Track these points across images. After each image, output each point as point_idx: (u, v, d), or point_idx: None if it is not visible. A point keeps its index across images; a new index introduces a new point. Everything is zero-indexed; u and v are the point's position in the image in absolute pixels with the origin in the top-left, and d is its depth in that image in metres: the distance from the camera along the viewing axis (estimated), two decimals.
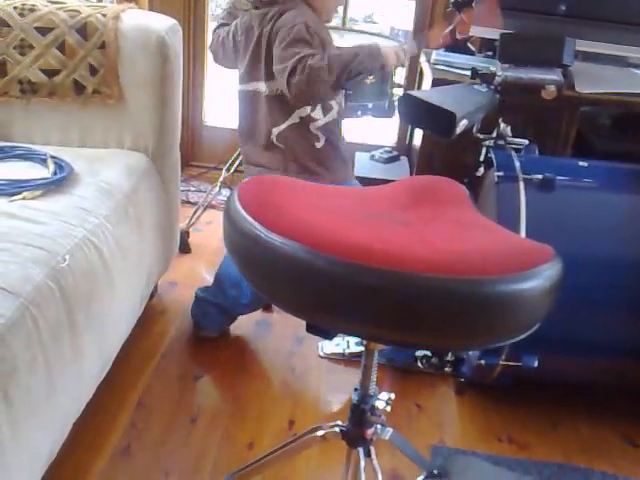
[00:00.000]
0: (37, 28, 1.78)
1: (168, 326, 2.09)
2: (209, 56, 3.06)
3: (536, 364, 1.66)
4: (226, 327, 2.05)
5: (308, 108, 1.82)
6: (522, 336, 0.92)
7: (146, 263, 1.79)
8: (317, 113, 1.84)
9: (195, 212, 2.61)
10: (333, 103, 1.86)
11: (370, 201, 1.16)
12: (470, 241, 0.99)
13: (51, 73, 1.80)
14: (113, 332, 1.57)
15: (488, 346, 1.17)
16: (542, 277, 0.88)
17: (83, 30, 1.78)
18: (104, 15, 1.80)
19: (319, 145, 1.86)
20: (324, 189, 1.23)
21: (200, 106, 3.16)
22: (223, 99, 3.52)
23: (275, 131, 1.84)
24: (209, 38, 3.03)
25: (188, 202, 2.80)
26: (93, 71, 1.81)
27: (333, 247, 0.89)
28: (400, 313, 0.88)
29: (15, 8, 1.79)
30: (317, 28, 1.74)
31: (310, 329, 1.05)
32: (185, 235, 2.49)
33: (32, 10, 1.79)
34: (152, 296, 2.10)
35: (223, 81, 3.82)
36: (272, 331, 2.06)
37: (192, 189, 2.94)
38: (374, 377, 1.22)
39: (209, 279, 2.26)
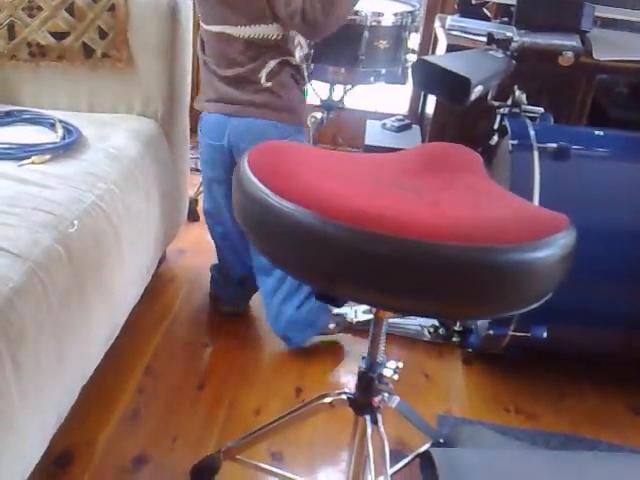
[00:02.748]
0: None
1: (176, 293, 2.09)
2: None
3: (545, 335, 1.66)
4: (248, 299, 2.03)
5: None
6: (535, 305, 0.91)
7: (154, 230, 1.79)
8: None
9: None
10: None
11: (382, 168, 1.14)
12: (484, 209, 0.98)
13: (60, 36, 1.78)
14: (121, 298, 1.57)
15: (500, 315, 1.16)
16: (557, 246, 0.87)
17: None
18: None
19: None
20: (335, 155, 1.21)
21: None
22: None
23: None
24: None
25: (197, 170, 2.78)
26: (102, 34, 1.78)
27: (344, 214, 0.88)
28: (411, 281, 0.87)
29: None
30: None
31: (319, 297, 1.04)
32: (194, 203, 2.48)
33: None
34: (160, 263, 2.09)
35: None
36: None
37: None
38: (382, 345, 1.22)
39: None
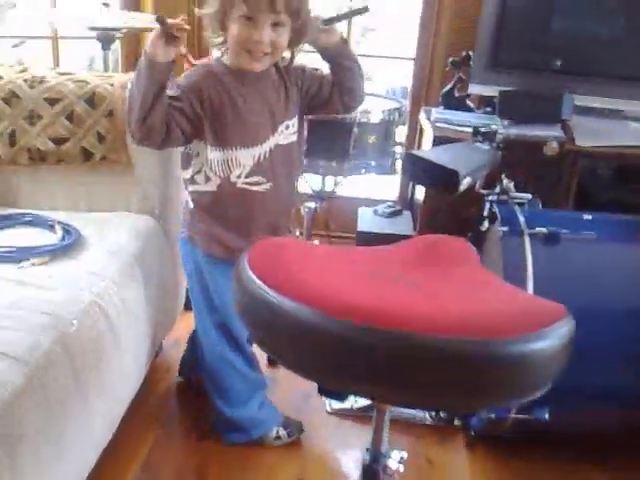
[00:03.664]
0: (46, 99, 1.81)
1: (173, 385, 2.07)
2: None
3: (547, 416, 1.64)
4: None
5: None
6: (535, 396, 0.92)
7: (152, 322, 1.79)
8: None
9: None
10: None
11: (380, 262, 1.16)
12: (481, 301, 1.00)
13: (59, 141, 1.83)
14: (120, 393, 1.56)
15: (500, 406, 1.16)
16: (554, 336, 0.88)
17: (91, 99, 1.82)
18: (111, 85, 1.84)
19: None
20: (333, 251, 1.24)
21: None
22: None
23: None
24: None
25: None
26: (101, 139, 1.83)
27: (344, 310, 0.90)
28: (412, 375, 0.88)
29: (25, 80, 1.84)
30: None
31: (322, 391, 1.05)
32: (189, 293, 2.48)
33: (42, 82, 1.84)
34: (157, 354, 2.08)
35: None
36: (279, 387, 2.03)
37: None
38: (386, 436, 1.21)
39: None
